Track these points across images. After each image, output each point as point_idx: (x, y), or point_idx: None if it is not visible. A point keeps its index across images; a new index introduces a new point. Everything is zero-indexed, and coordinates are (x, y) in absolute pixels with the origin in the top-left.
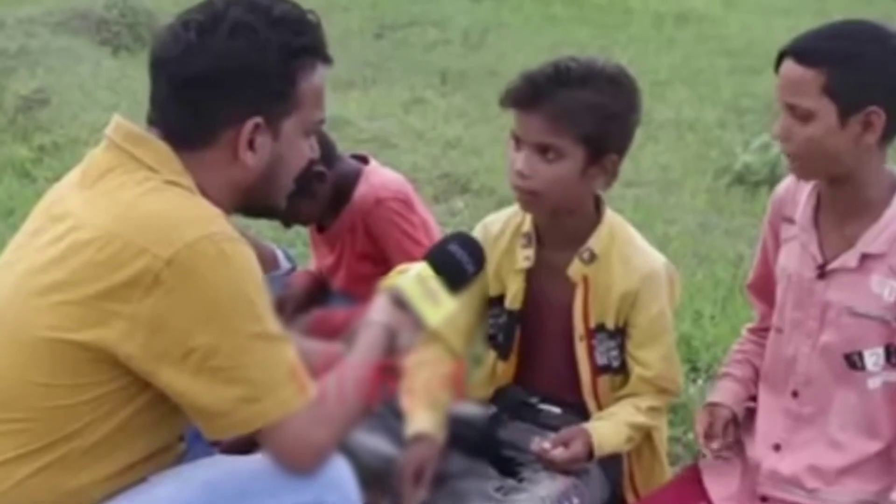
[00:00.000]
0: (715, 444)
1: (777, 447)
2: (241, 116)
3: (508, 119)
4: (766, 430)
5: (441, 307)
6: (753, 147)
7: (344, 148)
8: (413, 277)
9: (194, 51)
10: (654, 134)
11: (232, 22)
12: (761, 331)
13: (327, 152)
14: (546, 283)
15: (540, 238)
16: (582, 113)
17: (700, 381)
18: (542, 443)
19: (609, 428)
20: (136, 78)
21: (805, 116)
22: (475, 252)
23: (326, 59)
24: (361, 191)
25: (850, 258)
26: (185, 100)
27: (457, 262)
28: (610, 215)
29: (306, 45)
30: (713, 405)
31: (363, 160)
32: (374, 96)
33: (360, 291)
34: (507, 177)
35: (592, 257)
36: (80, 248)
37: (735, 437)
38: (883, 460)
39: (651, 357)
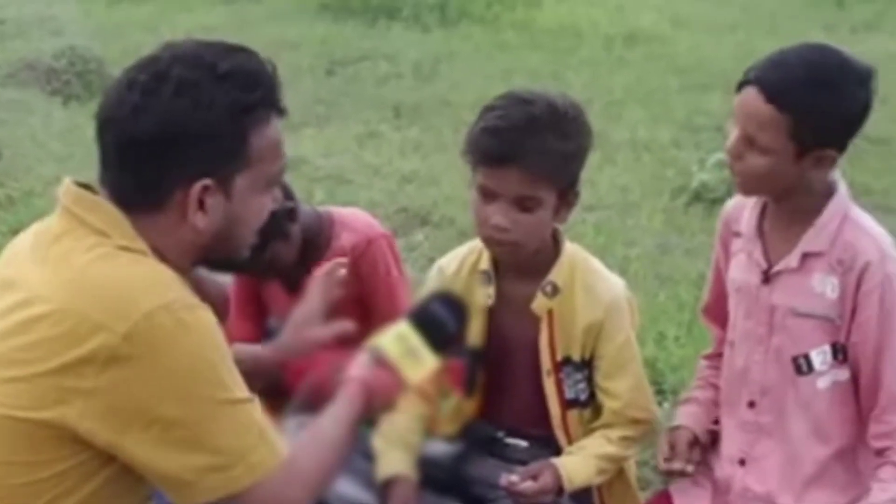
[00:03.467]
0: (676, 464)
1: (742, 462)
2: (189, 179)
3: None
4: (728, 447)
5: (422, 365)
6: (709, 165)
7: (300, 187)
8: (394, 335)
9: (138, 112)
10: (611, 155)
11: (176, 81)
12: (716, 356)
13: (288, 188)
14: (508, 318)
15: (499, 274)
16: (558, 161)
17: (666, 405)
18: (510, 476)
19: (578, 461)
20: (88, 127)
21: (762, 150)
22: (458, 310)
23: (280, 112)
24: (344, 235)
25: (791, 259)
26: (130, 162)
27: (439, 322)
28: (569, 246)
29: (257, 100)
30: (674, 429)
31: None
32: (328, 133)
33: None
34: (477, 229)
35: (555, 290)
36: (32, 323)
37: (699, 457)
38: (847, 469)
39: (620, 387)
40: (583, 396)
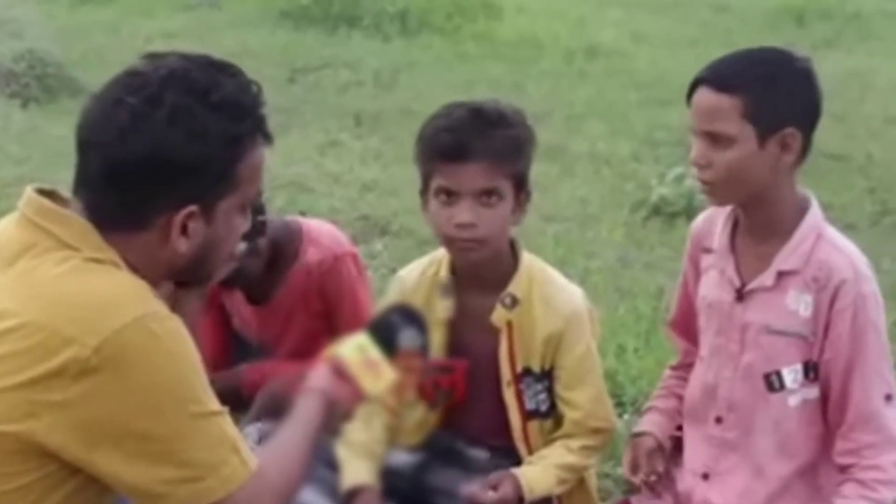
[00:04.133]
0: (641, 474)
1: (705, 476)
2: (175, 204)
3: None
4: (692, 460)
5: (381, 378)
6: (668, 179)
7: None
8: (354, 347)
9: (129, 136)
10: (571, 168)
11: (170, 108)
12: (682, 367)
13: (260, 202)
14: (468, 330)
15: (458, 285)
16: (512, 150)
17: (626, 416)
18: (471, 486)
19: (538, 471)
20: (47, 131)
21: (725, 142)
22: (417, 323)
23: (267, 139)
24: (310, 251)
25: (766, 277)
26: (116, 184)
27: (397, 332)
28: (527, 257)
29: (246, 131)
30: (637, 436)
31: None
32: (289, 141)
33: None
34: (440, 234)
35: (514, 302)
36: (1, 337)
37: (662, 466)
38: (809, 484)
39: (580, 398)
40: (543, 407)
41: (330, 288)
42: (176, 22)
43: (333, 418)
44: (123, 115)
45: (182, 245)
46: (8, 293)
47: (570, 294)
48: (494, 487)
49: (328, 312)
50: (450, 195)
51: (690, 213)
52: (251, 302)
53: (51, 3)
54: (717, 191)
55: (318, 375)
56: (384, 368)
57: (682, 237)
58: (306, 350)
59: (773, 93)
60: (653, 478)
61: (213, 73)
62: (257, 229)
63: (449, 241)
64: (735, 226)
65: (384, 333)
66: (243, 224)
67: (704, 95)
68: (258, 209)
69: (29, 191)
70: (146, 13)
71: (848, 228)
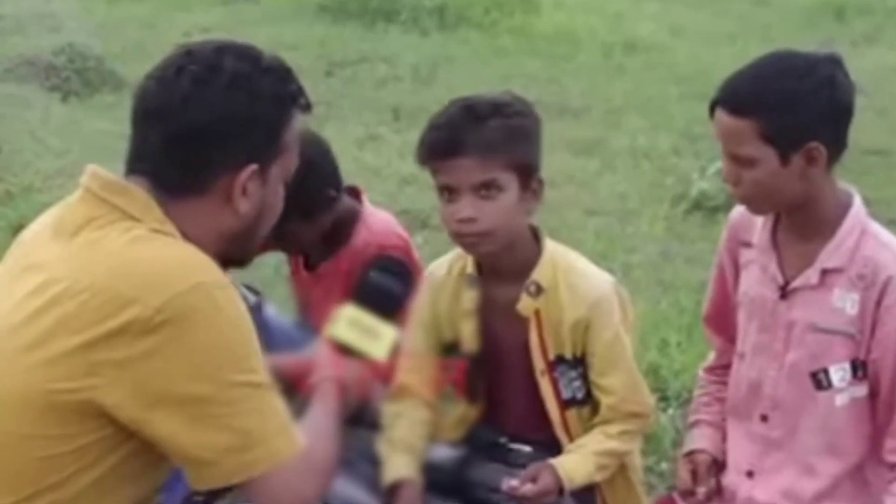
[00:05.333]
0: (702, 489)
1: (750, 474)
2: (239, 163)
3: None
4: (737, 458)
5: (382, 339)
6: (709, 173)
7: None
8: (345, 322)
9: (192, 101)
10: (611, 162)
11: (230, 72)
12: (720, 368)
13: (337, 180)
14: (498, 321)
15: (484, 277)
16: (506, 140)
17: (671, 410)
18: (511, 481)
19: (576, 459)
20: (87, 123)
21: (747, 163)
22: (399, 272)
23: (307, 107)
24: (362, 235)
25: (811, 275)
26: (182, 149)
27: (383, 290)
28: (550, 244)
29: (293, 92)
30: (692, 453)
31: (355, 194)
32: (327, 134)
33: None
34: (448, 232)
35: (539, 290)
36: (63, 300)
37: (717, 481)
38: (856, 482)
39: (614, 383)
40: (579, 395)
41: None
42: (213, 16)
43: (354, 399)
44: (185, 83)
45: (244, 205)
46: (69, 260)
47: (597, 279)
48: (534, 480)
49: None
50: (451, 192)
51: (731, 207)
52: (306, 266)
53: None
54: (752, 205)
55: (324, 362)
56: (382, 329)
57: (723, 231)
58: None
59: (790, 112)
60: (707, 495)
61: (254, 47)
62: (326, 202)
63: (456, 237)
64: (776, 221)
65: (371, 295)
66: (282, 199)
67: (722, 118)
68: (336, 184)
69: (91, 166)
70: (183, 7)
71: (891, 224)
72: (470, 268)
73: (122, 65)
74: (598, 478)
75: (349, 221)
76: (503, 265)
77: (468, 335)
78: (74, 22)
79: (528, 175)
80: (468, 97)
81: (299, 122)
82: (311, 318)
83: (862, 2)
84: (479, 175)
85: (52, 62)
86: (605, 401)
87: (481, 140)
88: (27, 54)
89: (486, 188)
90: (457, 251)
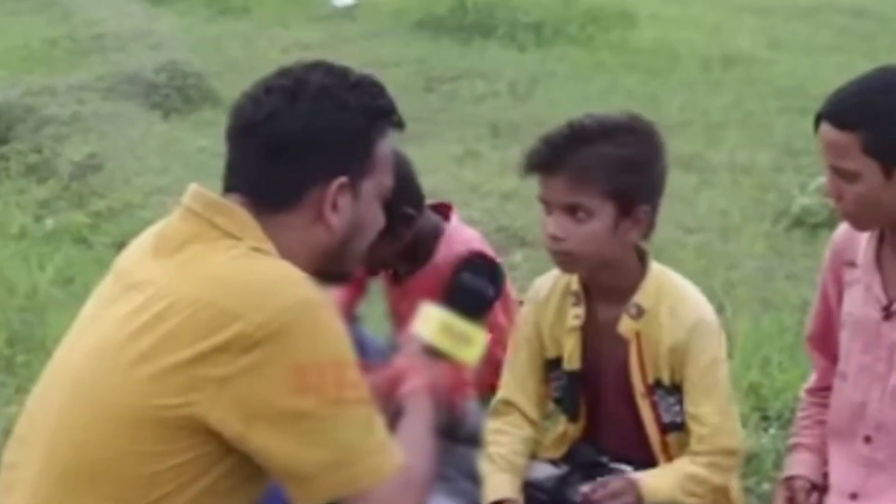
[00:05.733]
0: None
1: (854, 496)
2: (328, 176)
3: None
4: (839, 480)
5: (474, 344)
6: (810, 189)
7: None
8: (437, 327)
9: (283, 115)
10: (710, 178)
11: (316, 86)
12: (821, 390)
13: (418, 198)
14: (600, 341)
15: (589, 295)
16: (604, 168)
17: (772, 430)
18: (584, 488)
19: (659, 474)
20: (187, 140)
21: (851, 177)
22: (490, 274)
23: (399, 124)
24: (443, 251)
25: None
26: (272, 163)
27: (475, 293)
28: (656, 268)
29: (383, 107)
30: (790, 479)
31: (445, 211)
32: (426, 151)
33: None
34: (544, 243)
35: (640, 312)
36: (167, 317)
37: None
38: None
39: (706, 412)
40: (679, 419)
41: None
42: (311, 32)
43: (446, 406)
44: (275, 98)
45: (334, 220)
46: (172, 276)
47: (696, 305)
48: (613, 494)
49: None
50: (546, 205)
51: (833, 223)
52: (394, 281)
53: (188, 15)
54: (854, 220)
55: (415, 368)
56: (473, 333)
57: (825, 248)
58: None
59: (892, 126)
60: None
61: (345, 66)
62: (405, 221)
63: (547, 250)
64: (881, 240)
65: (460, 297)
66: (381, 216)
67: (826, 131)
68: (414, 203)
69: (193, 185)
70: (281, 24)
71: None
72: (575, 285)
73: (221, 82)
74: (682, 499)
75: (431, 238)
76: (605, 285)
77: (571, 352)
78: (175, 39)
79: (629, 204)
80: (591, 114)
81: (391, 140)
82: (398, 332)
83: None
84: (568, 197)
85: (152, 80)
86: (695, 431)
87: (576, 163)
88: (129, 72)
89: (574, 211)
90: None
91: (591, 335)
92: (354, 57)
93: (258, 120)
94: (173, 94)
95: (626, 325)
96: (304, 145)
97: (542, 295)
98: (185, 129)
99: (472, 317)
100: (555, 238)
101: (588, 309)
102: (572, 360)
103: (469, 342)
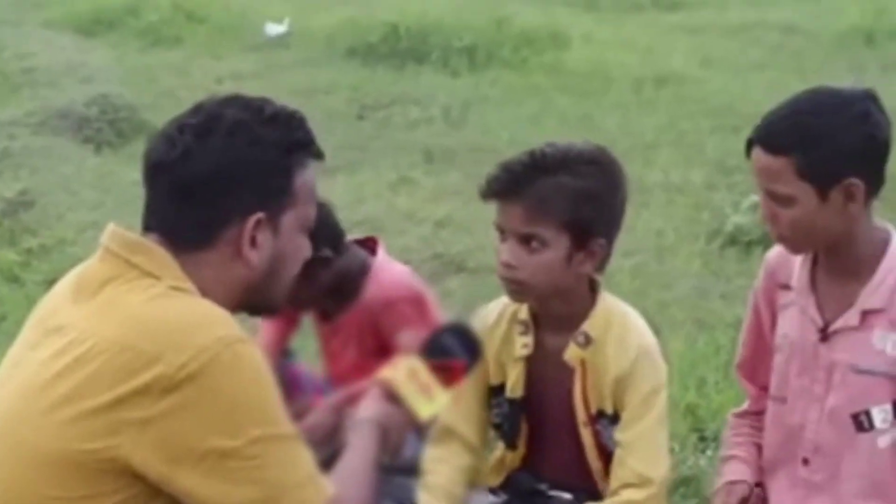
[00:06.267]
0: None
1: None
2: (244, 213)
3: None
4: (779, 502)
5: (434, 401)
6: (744, 207)
7: None
8: (405, 371)
9: (194, 153)
10: (645, 199)
11: (229, 122)
12: (753, 414)
13: (336, 238)
14: (545, 369)
15: (537, 324)
16: (562, 199)
17: (709, 452)
18: None
19: None
20: (120, 174)
21: (785, 201)
22: (470, 342)
23: (318, 155)
24: (370, 289)
25: (851, 317)
26: (187, 202)
27: (449, 354)
28: (606, 297)
29: (300, 140)
30: (729, 483)
31: (372, 245)
32: (360, 179)
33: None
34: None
35: (588, 341)
36: (87, 360)
37: None
38: None
39: (629, 436)
40: None
41: (386, 329)
42: (245, 62)
43: (388, 445)
44: (187, 136)
45: (253, 256)
46: (91, 319)
47: (641, 334)
48: None
49: (385, 351)
50: (500, 232)
51: (767, 241)
52: (323, 318)
53: (120, 47)
54: (790, 244)
55: (369, 403)
56: (437, 392)
57: (759, 266)
58: (358, 380)
59: (826, 149)
60: None
61: (263, 99)
62: (320, 263)
63: (499, 277)
64: (815, 262)
65: (436, 355)
66: (306, 247)
67: (759, 156)
68: (332, 244)
69: (111, 225)
70: (214, 54)
71: None
72: (524, 314)
73: (154, 114)
74: None
75: (358, 275)
76: (555, 314)
77: (515, 380)
78: (106, 72)
79: (585, 236)
80: (553, 143)
81: (311, 172)
82: (329, 369)
83: (892, 27)
84: (524, 226)
85: (84, 113)
86: (617, 455)
87: (534, 193)
88: (60, 106)
89: (528, 240)
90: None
91: (536, 363)
92: (288, 85)
93: (171, 160)
94: (105, 128)
95: (572, 353)
96: (217, 184)
97: (489, 321)
98: (118, 163)
99: (442, 378)
100: (508, 266)
101: (536, 338)
102: (516, 388)
103: (430, 398)
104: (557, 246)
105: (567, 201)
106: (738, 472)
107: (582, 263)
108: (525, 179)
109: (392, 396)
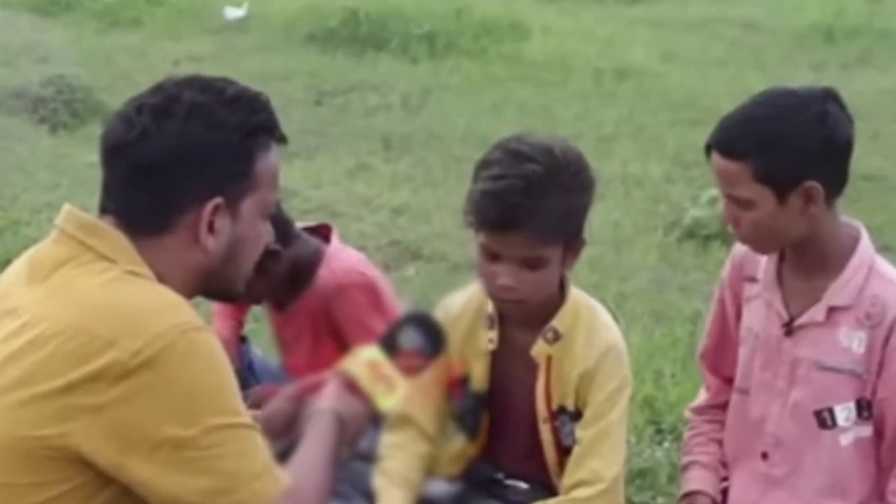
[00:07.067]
0: None
1: None
2: (202, 198)
3: (455, 184)
4: (738, 496)
5: (394, 392)
6: (702, 201)
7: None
8: (364, 362)
9: (151, 135)
10: (603, 191)
11: (188, 104)
12: (712, 408)
13: (284, 230)
14: (511, 363)
15: (503, 319)
16: (561, 220)
17: (666, 443)
18: None
19: None
20: (76, 156)
21: (745, 204)
22: (433, 334)
23: (281, 139)
24: (322, 275)
25: (817, 312)
26: (144, 185)
27: (414, 346)
28: (576, 294)
29: (262, 123)
30: (691, 494)
31: (325, 232)
32: (318, 165)
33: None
34: (483, 286)
35: (556, 337)
36: (40, 343)
37: None
38: None
39: (588, 435)
40: None
41: (338, 315)
42: (203, 45)
43: (346, 438)
44: (145, 118)
45: (211, 242)
46: (45, 302)
47: (608, 330)
48: None
49: (339, 338)
50: (493, 256)
51: (725, 235)
52: (277, 307)
53: (77, 28)
54: (753, 245)
55: (328, 393)
56: (398, 382)
57: (717, 260)
58: (313, 369)
59: (782, 153)
60: None
61: (225, 80)
62: (271, 256)
63: (491, 296)
64: (781, 257)
65: (397, 346)
66: (266, 233)
67: (717, 161)
68: (281, 237)
69: (67, 206)
70: (173, 36)
71: (884, 250)
72: (489, 308)
73: (111, 95)
74: None
75: (311, 264)
76: (527, 312)
77: (479, 374)
78: (63, 53)
79: (575, 241)
80: (527, 148)
81: (274, 155)
82: (284, 358)
83: (851, 25)
84: (529, 252)
85: (40, 94)
86: (575, 452)
87: (538, 222)
88: (15, 86)
89: (533, 261)
90: (474, 287)
91: (501, 358)
92: (246, 69)
93: (127, 141)
94: (61, 109)
95: (539, 349)
96: (174, 167)
97: (452, 313)
98: (74, 145)
99: (402, 369)
100: (509, 289)
101: (502, 332)
102: (480, 381)
103: (391, 389)
104: (556, 259)
105: (566, 219)
106: (699, 480)
107: (569, 264)
108: (522, 209)
109: (352, 388)
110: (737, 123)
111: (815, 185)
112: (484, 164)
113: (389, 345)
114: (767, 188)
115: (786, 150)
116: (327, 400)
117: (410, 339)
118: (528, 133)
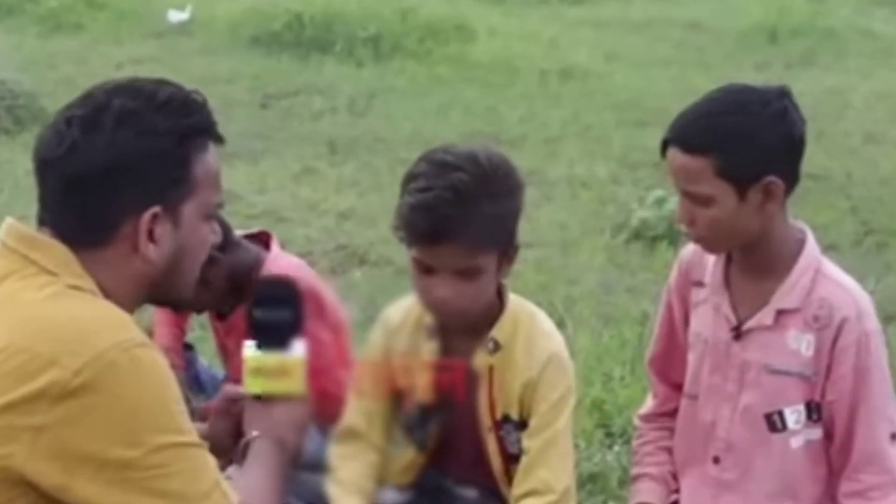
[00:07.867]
0: None
1: None
2: (139, 207)
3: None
4: (689, 501)
5: (293, 373)
6: (648, 202)
7: (235, 223)
8: (249, 375)
9: (80, 148)
10: (549, 192)
11: (116, 112)
12: (661, 416)
13: (223, 237)
14: (453, 374)
15: (444, 329)
16: (493, 228)
17: (616, 447)
18: None
19: None
20: (17, 163)
21: (704, 201)
22: (281, 297)
23: (218, 139)
24: None
25: (765, 316)
26: (78, 199)
27: (271, 324)
28: (514, 301)
29: (196, 125)
30: None
31: (265, 239)
32: (262, 168)
33: None
34: (419, 299)
35: (497, 347)
36: None
37: None
38: None
39: (535, 444)
40: None
41: None
42: (146, 49)
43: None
44: (74, 130)
45: (151, 252)
46: None
47: (549, 338)
48: None
49: None
50: (426, 269)
51: (672, 236)
52: (219, 316)
53: (19, 32)
54: (707, 244)
55: (249, 418)
56: (288, 361)
57: (664, 261)
58: None
59: (744, 147)
60: None
61: (158, 82)
62: (210, 262)
63: (427, 308)
64: (728, 260)
65: (265, 334)
66: (211, 235)
67: (675, 157)
68: (218, 245)
69: (8, 219)
70: (115, 41)
71: (829, 249)
72: (428, 319)
73: (54, 101)
74: None
75: (251, 270)
76: (466, 322)
77: (423, 386)
78: (4, 58)
79: (510, 248)
80: (452, 157)
81: (213, 156)
82: (228, 367)
83: (794, 24)
84: (463, 262)
85: None
86: (522, 462)
87: (470, 231)
88: None
89: (468, 272)
90: (413, 296)
91: (444, 368)
92: (190, 73)
93: (58, 155)
94: (2, 115)
95: (480, 360)
96: (106, 179)
97: (393, 323)
98: (15, 151)
99: (281, 346)
100: (446, 301)
101: (443, 342)
102: (425, 393)
103: (286, 373)
104: (491, 266)
105: (498, 227)
106: (648, 493)
107: (505, 271)
108: (453, 220)
109: (262, 403)
110: (697, 118)
111: (775, 180)
112: (410, 178)
113: (259, 335)
114: (729, 184)
115: (748, 145)
116: (251, 424)
117: (263, 318)
118: (452, 143)
